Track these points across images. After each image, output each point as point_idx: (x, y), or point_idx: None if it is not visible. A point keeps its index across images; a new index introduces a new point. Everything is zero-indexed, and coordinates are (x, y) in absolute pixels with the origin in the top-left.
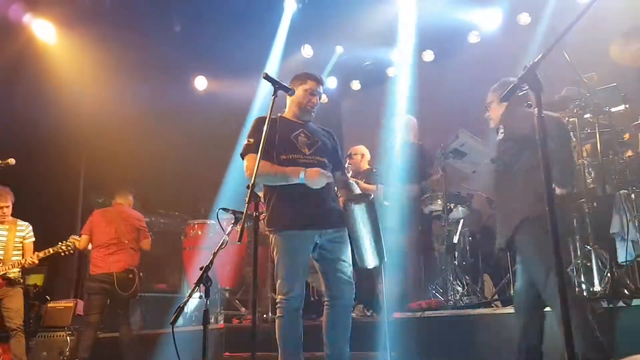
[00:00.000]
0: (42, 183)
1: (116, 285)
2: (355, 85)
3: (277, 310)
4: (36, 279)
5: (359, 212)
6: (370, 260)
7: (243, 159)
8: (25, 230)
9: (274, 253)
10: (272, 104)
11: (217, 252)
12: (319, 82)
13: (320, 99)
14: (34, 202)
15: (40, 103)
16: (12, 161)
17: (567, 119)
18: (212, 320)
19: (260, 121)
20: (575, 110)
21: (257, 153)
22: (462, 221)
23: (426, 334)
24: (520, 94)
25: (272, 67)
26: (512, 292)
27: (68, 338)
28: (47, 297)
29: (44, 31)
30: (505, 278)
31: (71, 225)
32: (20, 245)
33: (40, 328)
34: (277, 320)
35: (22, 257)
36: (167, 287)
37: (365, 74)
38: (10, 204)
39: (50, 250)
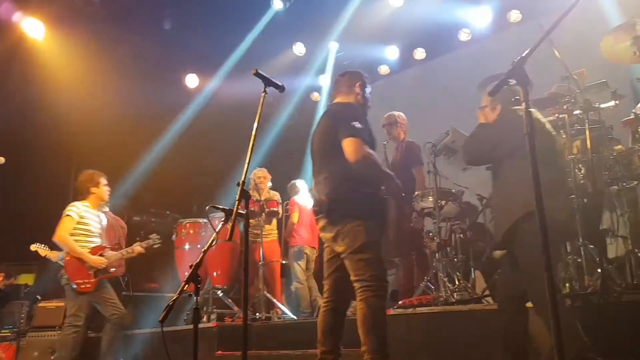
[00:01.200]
0: (32, 181)
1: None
2: None
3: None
4: (27, 279)
5: None
6: None
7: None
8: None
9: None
10: (262, 101)
11: (207, 251)
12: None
13: None
14: (24, 201)
15: (30, 101)
16: (1, 160)
17: (556, 115)
18: (204, 319)
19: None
20: (565, 107)
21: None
22: (453, 218)
23: (417, 330)
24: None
25: (263, 64)
26: None
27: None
28: (37, 297)
29: (34, 29)
30: (496, 274)
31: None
32: None
33: (31, 328)
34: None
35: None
36: (158, 286)
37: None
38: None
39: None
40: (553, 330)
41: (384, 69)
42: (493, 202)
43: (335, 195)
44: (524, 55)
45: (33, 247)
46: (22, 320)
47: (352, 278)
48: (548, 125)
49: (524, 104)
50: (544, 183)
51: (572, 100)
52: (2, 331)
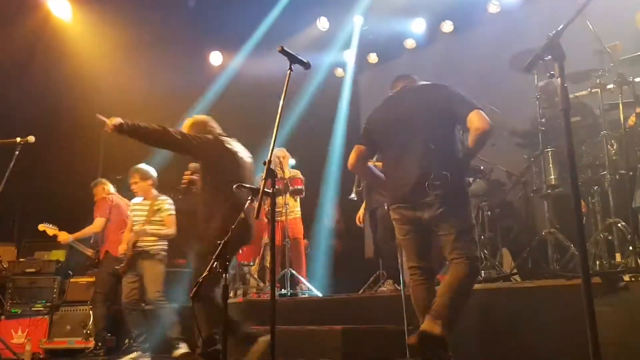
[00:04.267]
0: (61, 161)
1: None
2: (373, 58)
3: None
4: (58, 255)
5: None
6: None
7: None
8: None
9: None
10: (288, 78)
11: (234, 229)
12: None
13: None
14: (54, 179)
15: (57, 81)
16: (31, 138)
17: (589, 90)
18: (231, 295)
19: None
20: (598, 81)
21: None
22: (481, 195)
23: None
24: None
25: (286, 40)
26: (531, 266)
27: (90, 312)
28: (69, 272)
29: (61, 9)
30: (524, 252)
31: (91, 203)
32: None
33: (63, 303)
34: None
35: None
36: (187, 262)
37: (383, 47)
38: (138, 180)
39: None
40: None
41: (409, 43)
42: None
43: (446, 169)
44: (559, 29)
45: (41, 227)
46: (54, 295)
47: (455, 254)
48: (241, 154)
49: (559, 79)
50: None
51: (606, 74)
52: (36, 305)
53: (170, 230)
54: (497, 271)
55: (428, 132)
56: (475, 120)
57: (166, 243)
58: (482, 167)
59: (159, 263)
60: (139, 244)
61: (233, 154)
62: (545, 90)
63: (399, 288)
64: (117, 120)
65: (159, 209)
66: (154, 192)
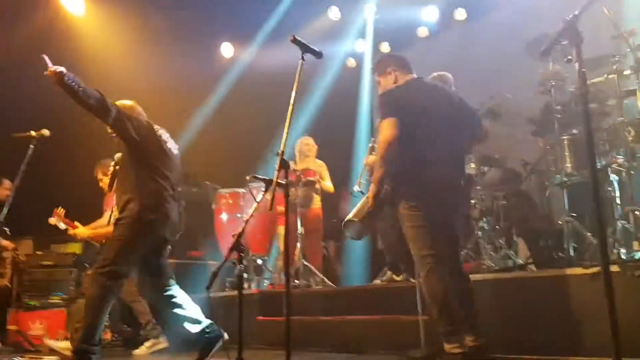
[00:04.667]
0: (72, 156)
1: None
2: (385, 47)
3: None
4: (74, 247)
5: None
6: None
7: None
8: None
9: None
10: (300, 68)
11: (249, 220)
12: None
13: None
14: (66, 174)
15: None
16: (46, 132)
17: (606, 75)
18: (245, 286)
19: None
20: (614, 67)
21: None
22: (496, 184)
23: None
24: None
25: (297, 30)
26: (546, 255)
27: None
28: (86, 264)
29: (73, 3)
30: (540, 241)
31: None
32: None
33: (80, 294)
34: None
35: None
36: (200, 254)
37: (395, 36)
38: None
39: None
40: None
41: (422, 32)
42: None
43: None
44: (576, 13)
45: (52, 221)
46: (71, 287)
47: None
48: (169, 144)
49: (577, 64)
50: None
51: (622, 60)
52: (53, 298)
53: None
54: (513, 261)
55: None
56: (483, 130)
57: None
58: (496, 156)
59: None
60: None
61: (161, 141)
62: (555, 76)
63: (398, 279)
64: (61, 68)
65: None
66: None
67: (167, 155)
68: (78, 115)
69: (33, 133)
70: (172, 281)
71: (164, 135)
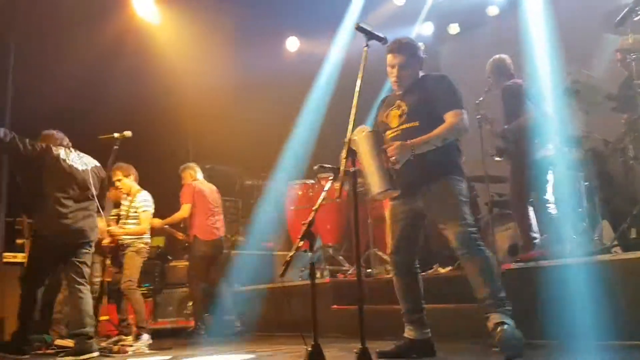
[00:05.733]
0: (154, 154)
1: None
2: (454, 29)
3: None
4: (158, 241)
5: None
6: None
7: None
8: (141, 202)
9: None
10: (365, 55)
11: (317, 209)
12: (389, 51)
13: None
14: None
15: (144, 75)
16: (128, 133)
17: None
18: (317, 276)
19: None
20: None
21: None
22: (577, 165)
23: (541, 284)
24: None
25: (363, 18)
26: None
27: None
28: (168, 257)
29: (144, 7)
30: (625, 223)
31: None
32: (136, 214)
33: (165, 285)
34: None
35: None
36: (272, 245)
37: (464, 16)
38: (121, 177)
39: None
40: None
41: (492, 10)
42: None
43: None
44: None
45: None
46: (157, 279)
47: None
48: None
49: None
50: None
51: None
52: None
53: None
54: (598, 244)
55: None
56: None
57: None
58: (577, 136)
59: (136, 255)
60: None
61: (57, 160)
62: (635, 47)
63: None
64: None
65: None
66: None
67: (65, 171)
68: (152, 117)
69: (116, 135)
70: None
71: (66, 154)
